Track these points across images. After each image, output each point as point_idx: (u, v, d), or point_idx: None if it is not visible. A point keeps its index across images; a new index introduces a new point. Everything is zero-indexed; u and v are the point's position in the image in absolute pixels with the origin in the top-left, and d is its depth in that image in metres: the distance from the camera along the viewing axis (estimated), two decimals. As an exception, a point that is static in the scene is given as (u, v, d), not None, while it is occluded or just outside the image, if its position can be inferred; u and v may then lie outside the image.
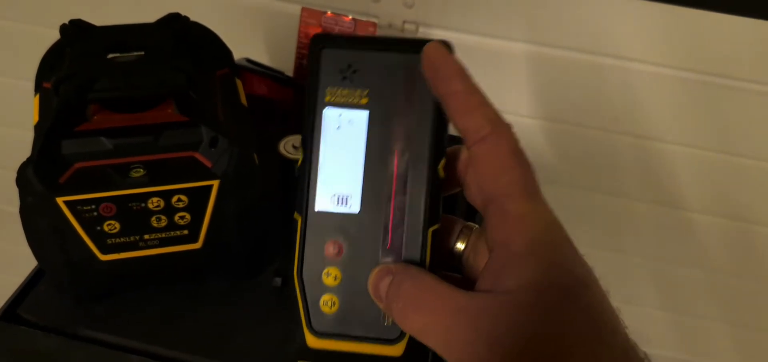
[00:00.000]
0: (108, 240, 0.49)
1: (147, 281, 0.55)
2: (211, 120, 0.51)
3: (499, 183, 0.29)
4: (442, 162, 0.33)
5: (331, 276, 0.33)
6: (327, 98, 0.33)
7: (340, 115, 0.33)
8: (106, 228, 0.49)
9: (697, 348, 1.05)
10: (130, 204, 0.48)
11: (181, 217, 0.50)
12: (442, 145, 0.33)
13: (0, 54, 0.94)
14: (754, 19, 0.72)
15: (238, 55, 0.61)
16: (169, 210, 0.49)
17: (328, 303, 0.33)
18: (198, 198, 0.49)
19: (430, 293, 0.30)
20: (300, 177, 0.33)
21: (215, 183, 0.49)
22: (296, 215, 0.33)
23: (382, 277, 0.31)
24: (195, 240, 0.51)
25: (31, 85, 0.53)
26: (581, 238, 0.30)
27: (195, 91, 0.48)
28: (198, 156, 0.50)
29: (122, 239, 0.50)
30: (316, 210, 0.33)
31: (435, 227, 0.33)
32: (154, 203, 0.49)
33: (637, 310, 1.01)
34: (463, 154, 0.33)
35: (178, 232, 0.50)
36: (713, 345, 1.04)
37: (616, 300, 0.29)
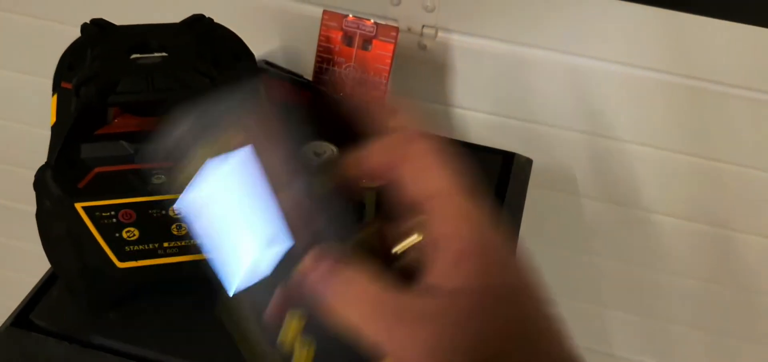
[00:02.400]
0: (126, 248, 0.48)
1: (164, 289, 0.54)
2: (235, 126, 0.49)
3: (442, 179, 0.28)
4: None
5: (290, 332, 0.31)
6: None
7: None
8: (124, 235, 0.47)
9: (669, 354, 1.04)
10: (150, 212, 0.47)
11: (202, 225, 0.48)
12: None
13: (17, 50, 0.92)
14: (736, 23, 0.72)
15: (257, 57, 0.59)
16: (190, 218, 0.48)
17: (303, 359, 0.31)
18: None
19: (366, 289, 0.28)
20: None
21: (238, 191, 0.48)
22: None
23: (317, 263, 0.29)
24: (215, 249, 0.50)
25: (48, 82, 0.52)
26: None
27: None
28: (220, 162, 0.49)
29: (141, 246, 0.48)
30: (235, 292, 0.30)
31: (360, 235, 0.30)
32: (174, 210, 0.47)
33: (622, 316, 1.00)
34: (377, 154, 0.31)
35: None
36: (686, 351, 1.03)
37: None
